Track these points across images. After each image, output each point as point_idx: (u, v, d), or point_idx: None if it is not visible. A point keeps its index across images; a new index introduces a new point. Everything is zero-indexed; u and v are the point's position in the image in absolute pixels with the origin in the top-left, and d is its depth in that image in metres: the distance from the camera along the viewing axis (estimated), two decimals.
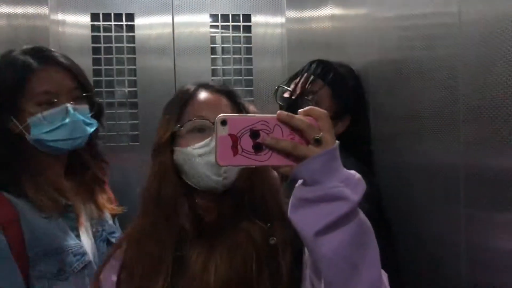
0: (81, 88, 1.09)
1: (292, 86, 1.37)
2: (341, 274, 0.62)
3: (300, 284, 0.80)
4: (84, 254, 1.05)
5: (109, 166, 1.21)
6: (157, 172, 0.87)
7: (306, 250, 0.78)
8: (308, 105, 1.26)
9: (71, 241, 1.04)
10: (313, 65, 1.36)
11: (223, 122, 0.62)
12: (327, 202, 0.61)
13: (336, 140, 0.63)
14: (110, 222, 1.19)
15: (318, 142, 0.61)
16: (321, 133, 0.62)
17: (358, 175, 0.64)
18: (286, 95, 1.37)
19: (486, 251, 0.87)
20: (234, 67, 1.89)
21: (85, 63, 1.77)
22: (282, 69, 1.87)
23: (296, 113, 1.20)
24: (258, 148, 0.62)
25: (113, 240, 1.14)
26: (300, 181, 0.64)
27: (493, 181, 0.83)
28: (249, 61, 1.90)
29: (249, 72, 1.90)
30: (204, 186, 0.84)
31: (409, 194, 1.18)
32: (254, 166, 0.69)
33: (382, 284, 0.66)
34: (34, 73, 1.03)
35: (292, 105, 1.30)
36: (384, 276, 0.68)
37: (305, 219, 0.62)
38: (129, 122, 1.85)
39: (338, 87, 1.33)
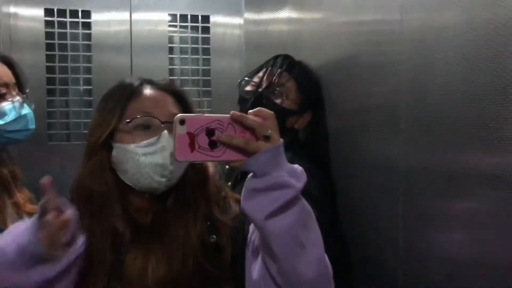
0: (24, 85, 1.13)
1: (256, 79, 1.38)
2: (291, 251, 0.69)
3: (241, 277, 0.81)
4: None
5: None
6: (92, 169, 0.83)
7: (250, 237, 0.81)
8: (277, 97, 1.32)
9: None
10: (279, 59, 1.39)
11: (182, 122, 0.67)
12: (275, 189, 0.67)
13: (281, 138, 0.69)
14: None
15: (267, 138, 0.68)
16: (269, 131, 0.68)
17: (300, 168, 0.71)
18: (249, 88, 1.39)
19: (422, 244, 0.93)
20: (192, 67, 1.90)
21: (38, 59, 1.74)
22: (239, 70, 1.89)
23: (261, 105, 1.27)
24: (213, 145, 0.68)
25: None
26: (250, 175, 0.69)
27: (432, 175, 0.89)
28: (207, 61, 1.91)
29: (207, 72, 1.91)
30: (144, 186, 0.82)
31: (355, 188, 1.23)
32: (210, 161, 0.78)
33: (326, 261, 0.73)
34: None
35: (258, 98, 1.32)
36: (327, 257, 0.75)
37: (256, 206, 0.68)
38: (84, 120, 1.81)
39: (303, 80, 1.38)
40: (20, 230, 0.73)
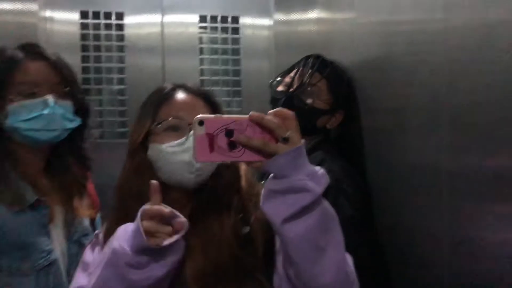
0: (66, 84, 1.09)
1: (288, 79, 1.40)
2: (308, 256, 0.69)
3: (273, 269, 0.84)
4: (50, 251, 1.03)
5: (92, 168, 1.21)
6: (135, 168, 0.90)
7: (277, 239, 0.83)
8: (308, 97, 1.33)
9: (39, 237, 1.03)
10: (310, 59, 1.40)
11: (200, 123, 0.68)
12: (293, 193, 0.68)
13: (302, 138, 0.69)
14: (86, 224, 1.16)
15: (285, 140, 0.68)
16: (288, 132, 0.68)
17: (322, 171, 0.71)
18: (281, 88, 1.40)
19: (467, 242, 0.93)
20: (222, 67, 1.93)
21: (74, 61, 1.78)
22: (269, 70, 1.92)
23: (292, 104, 1.26)
24: (232, 145, 0.68)
25: (86, 242, 1.08)
26: (271, 175, 0.70)
27: (476, 175, 0.89)
28: (237, 61, 1.94)
29: (237, 72, 1.94)
30: (176, 182, 0.87)
31: (393, 188, 1.23)
32: (229, 162, 0.78)
33: (346, 264, 0.73)
34: (19, 64, 1.04)
35: (289, 98, 1.34)
36: (349, 258, 0.76)
37: (274, 208, 0.69)
38: (118, 119, 1.86)
39: (335, 80, 1.38)
40: (124, 232, 0.79)
